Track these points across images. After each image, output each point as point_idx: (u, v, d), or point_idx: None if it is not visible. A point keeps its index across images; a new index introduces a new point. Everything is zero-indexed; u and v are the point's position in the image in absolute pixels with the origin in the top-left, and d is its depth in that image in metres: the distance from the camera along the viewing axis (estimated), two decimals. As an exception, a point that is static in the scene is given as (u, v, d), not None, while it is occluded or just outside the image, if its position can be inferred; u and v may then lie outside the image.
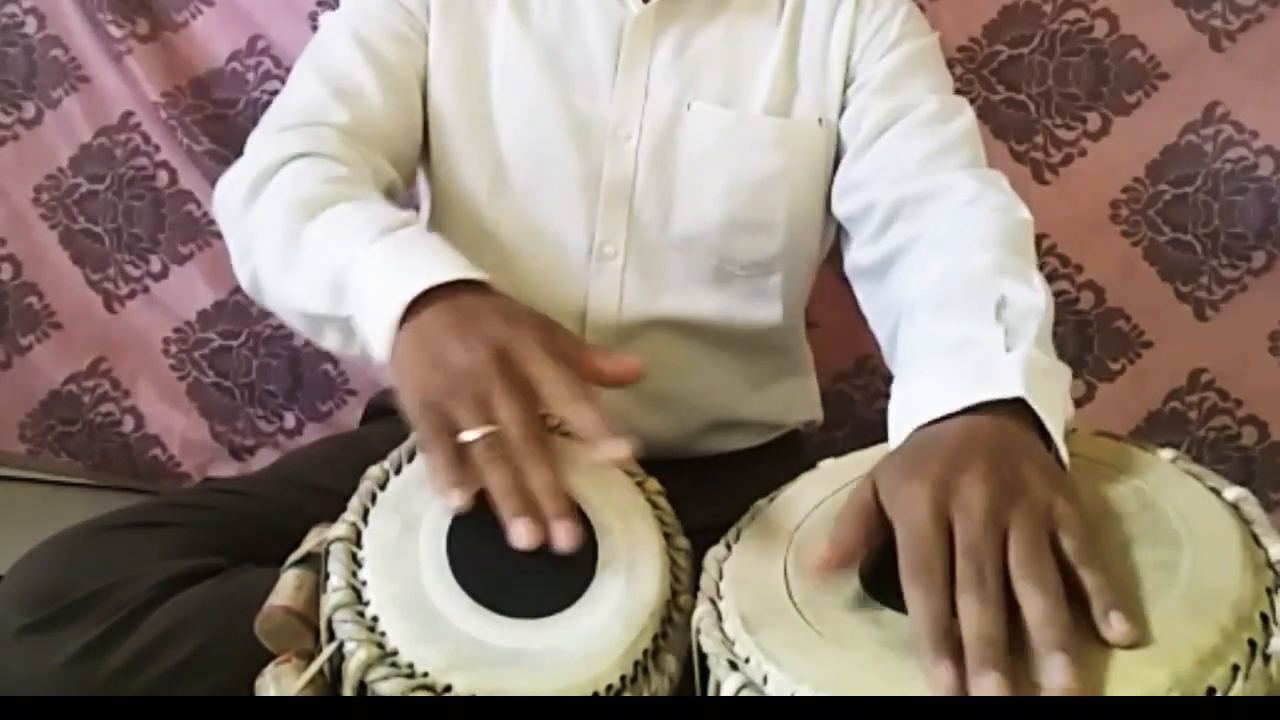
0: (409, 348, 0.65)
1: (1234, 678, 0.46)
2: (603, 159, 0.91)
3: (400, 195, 0.91)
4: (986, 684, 0.46)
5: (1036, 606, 0.48)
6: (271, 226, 0.78)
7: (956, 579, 0.49)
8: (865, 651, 0.52)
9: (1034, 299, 0.69)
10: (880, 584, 0.55)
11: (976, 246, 0.75)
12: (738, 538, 0.64)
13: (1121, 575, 0.51)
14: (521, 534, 0.57)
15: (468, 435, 0.60)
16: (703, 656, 0.56)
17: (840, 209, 0.92)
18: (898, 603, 0.52)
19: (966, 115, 0.90)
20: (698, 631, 0.57)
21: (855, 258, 0.89)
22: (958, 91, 0.94)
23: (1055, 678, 0.45)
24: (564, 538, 0.57)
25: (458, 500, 0.59)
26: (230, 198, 0.83)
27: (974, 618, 0.48)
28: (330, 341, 0.77)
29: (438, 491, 0.60)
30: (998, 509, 0.51)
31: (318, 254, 0.74)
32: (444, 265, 0.69)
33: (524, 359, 0.63)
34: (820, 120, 0.92)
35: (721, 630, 0.56)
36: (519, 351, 0.63)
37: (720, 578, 0.60)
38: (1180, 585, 0.50)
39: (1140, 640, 0.47)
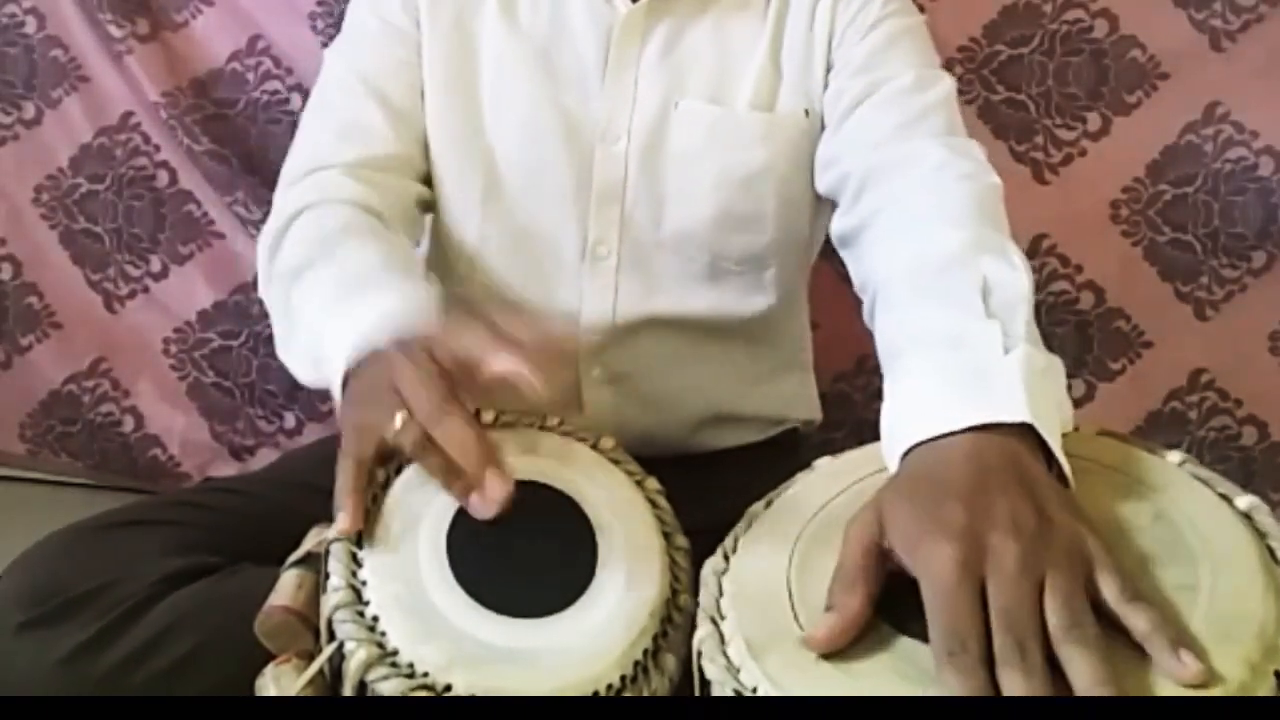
0: (352, 387, 0.68)
1: None
2: (593, 160, 0.91)
3: (422, 211, 0.94)
4: None
5: (1084, 672, 0.46)
6: (277, 299, 0.82)
7: (995, 650, 0.47)
8: (878, 681, 0.49)
9: (1018, 281, 0.67)
10: (893, 608, 0.52)
11: (948, 220, 0.74)
12: (735, 548, 0.62)
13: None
14: (477, 508, 0.60)
15: (393, 427, 0.61)
16: (705, 681, 0.54)
17: (820, 185, 0.92)
18: (912, 627, 0.51)
19: (943, 85, 0.89)
20: (699, 655, 0.55)
21: (835, 227, 0.89)
22: (958, 91, 0.94)
23: None
24: (495, 488, 0.59)
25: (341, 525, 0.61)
26: (261, 265, 0.86)
27: (1019, 693, 0.46)
28: None
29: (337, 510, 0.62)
30: (1032, 565, 0.49)
31: (299, 326, 0.77)
32: (375, 321, 0.69)
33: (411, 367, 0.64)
34: (806, 111, 0.92)
35: (725, 655, 0.54)
36: (407, 368, 0.64)
37: (720, 594, 0.58)
38: (1201, 609, 0.48)
39: (1210, 680, 0.45)
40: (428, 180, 0.93)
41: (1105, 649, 0.46)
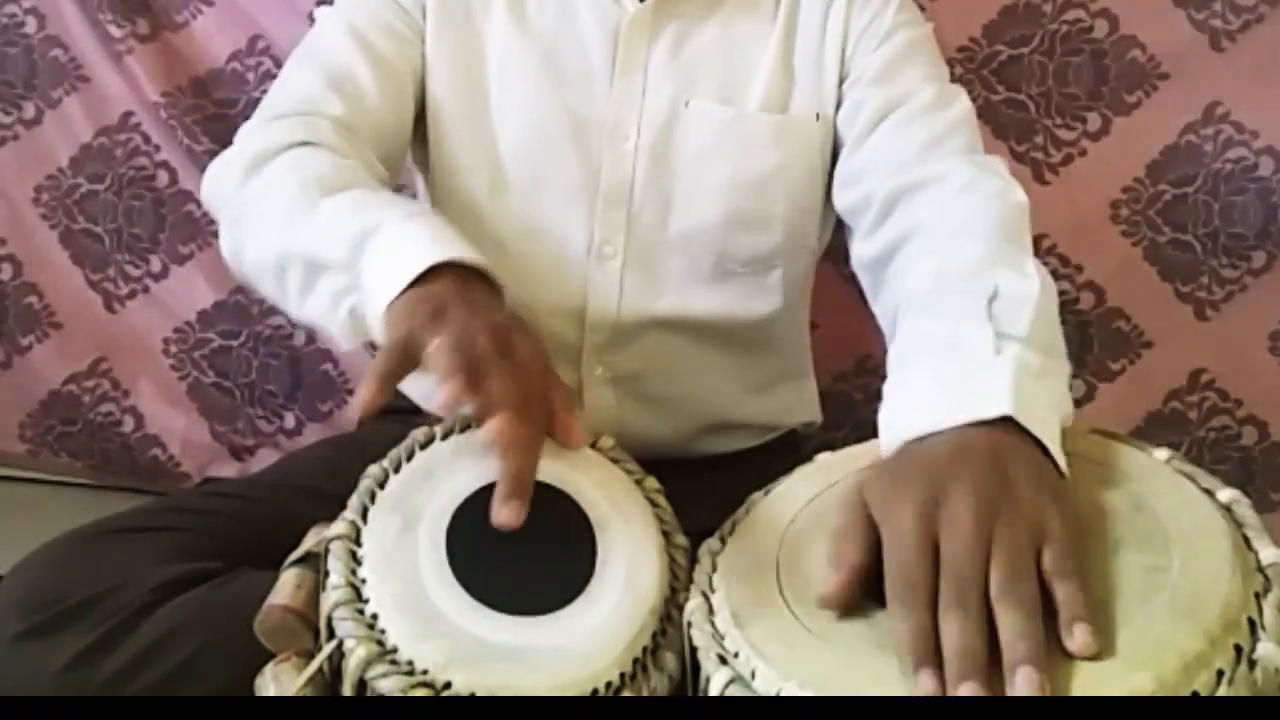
0: (412, 298, 0.66)
1: (1218, 682, 0.46)
2: (601, 159, 0.91)
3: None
4: (964, 692, 0.47)
5: (1009, 623, 0.48)
6: (280, 192, 0.79)
7: (940, 596, 0.50)
8: (855, 650, 0.52)
9: (1027, 286, 0.68)
10: (873, 583, 0.55)
11: (969, 236, 0.75)
12: (732, 531, 0.64)
13: (1111, 578, 0.51)
14: (450, 390, 0.59)
15: (433, 345, 0.61)
16: (693, 650, 0.56)
17: (840, 202, 0.92)
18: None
19: (963, 102, 0.90)
20: (689, 625, 0.57)
21: (858, 251, 0.89)
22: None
23: (1020, 688, 0.46)
24: (507, 433, 0.59)
25: (365, 400, 0.60)
26: (225, 175, 0.84)
27: (954, 635, 0.49)
28: (311, 299, 0.76)
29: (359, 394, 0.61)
30: (983, 525, 0.52)
31: (341, 216, 0.74)
32: (471, 251, 0.70)
33: (512, 346, 0.63)
34: (818, 116, 0.92)
35: (712, 624, 0.56)
36: (511, 341, 0.63)
37: (714, 571, 0.61)
38: (1169, 589, 0.50)
39: (1103, 653, 0.48)
40: (390, 162, 0.91)
41: (1037, 612, 0.49)
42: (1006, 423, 0.57)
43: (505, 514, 0.58)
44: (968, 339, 0.63)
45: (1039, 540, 0.52)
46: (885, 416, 0.63)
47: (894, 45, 0.91)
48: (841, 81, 0.92)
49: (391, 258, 0.69)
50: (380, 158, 0.88)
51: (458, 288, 0.66)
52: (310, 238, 0.75)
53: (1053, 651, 0.48)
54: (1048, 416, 0.58)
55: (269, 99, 0.90)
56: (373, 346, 0.72)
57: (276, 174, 0.81)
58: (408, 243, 0.70)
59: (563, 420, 0.65)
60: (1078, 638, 0.48)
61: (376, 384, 0.61)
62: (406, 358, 0.62)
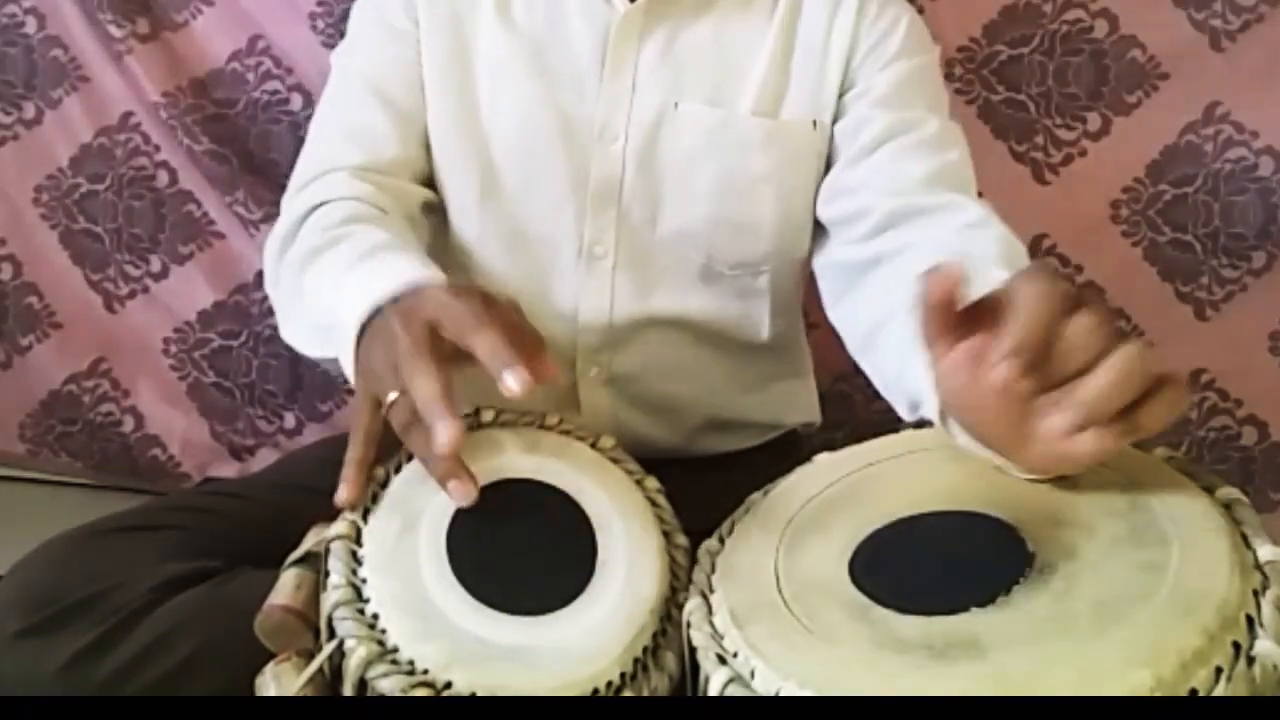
0: (362, 353, 0.67)
1: (1217, 680, 0.46)
2: (590, 160, 0.91)
3: (425, 215, 0.93)
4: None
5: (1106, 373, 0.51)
6: (287, 288, 0.81)
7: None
8: (854, 649, 0.52)
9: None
10: (873, 582, 0.55)
11: (976, 259, 0.74)
12: (731, 531, 0.64)
13: (1110, 575, 0.51)
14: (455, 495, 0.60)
15: (387, 401, 0.62)
16: (693, 650, 0.56)
17: (826, 212, 0.91)
18: (890, 602, 0.53)
19: (963, 146, 0.90)
20: (688, 625, 0.57)
21: (835, 254, 0.88)
22: (957, 92, 0.94)
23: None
24: (444, 431, 0.57)
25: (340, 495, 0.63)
26: (268, 263, 0.86)
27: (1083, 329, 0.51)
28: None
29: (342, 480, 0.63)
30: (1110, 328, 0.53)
31: (311, 306, 0.76)
32: (389, 278, 0.68)
33: (441, 318, 0.62)
34: (814, 123, 0.92)
35: (711, 624, 0.56)
36: (441, 314, 0.62)
37: (713, 571, 0.61)
38: (1167, 586, 0.50)
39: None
40: (431, 183, 0.93)
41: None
42: None
43: (511, 380, 0.57)
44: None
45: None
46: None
47: (902, 68, 0.91)
48: (843, 94, 0.92)
49: (340, 334, 0.69)
50: (418, 181, 0.92)
51: (388, 315, 0.65)
52: (304, 343, 0.78)
53: (1051, 643, 0.48)
54: None
55: (299, 164, 0.92)
56: None
57: (289, 259, 0.83)
58: (343, 309, 0.69)
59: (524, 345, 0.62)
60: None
61: (351, 472, 0.63)
62: (373, 423, 0.64)
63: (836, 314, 0.87)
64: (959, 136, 0.91)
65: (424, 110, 0.92)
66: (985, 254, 0.75)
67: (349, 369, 0.68)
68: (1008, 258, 0.75)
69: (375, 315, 0.66)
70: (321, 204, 0.84)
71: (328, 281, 0.75)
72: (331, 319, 0.71)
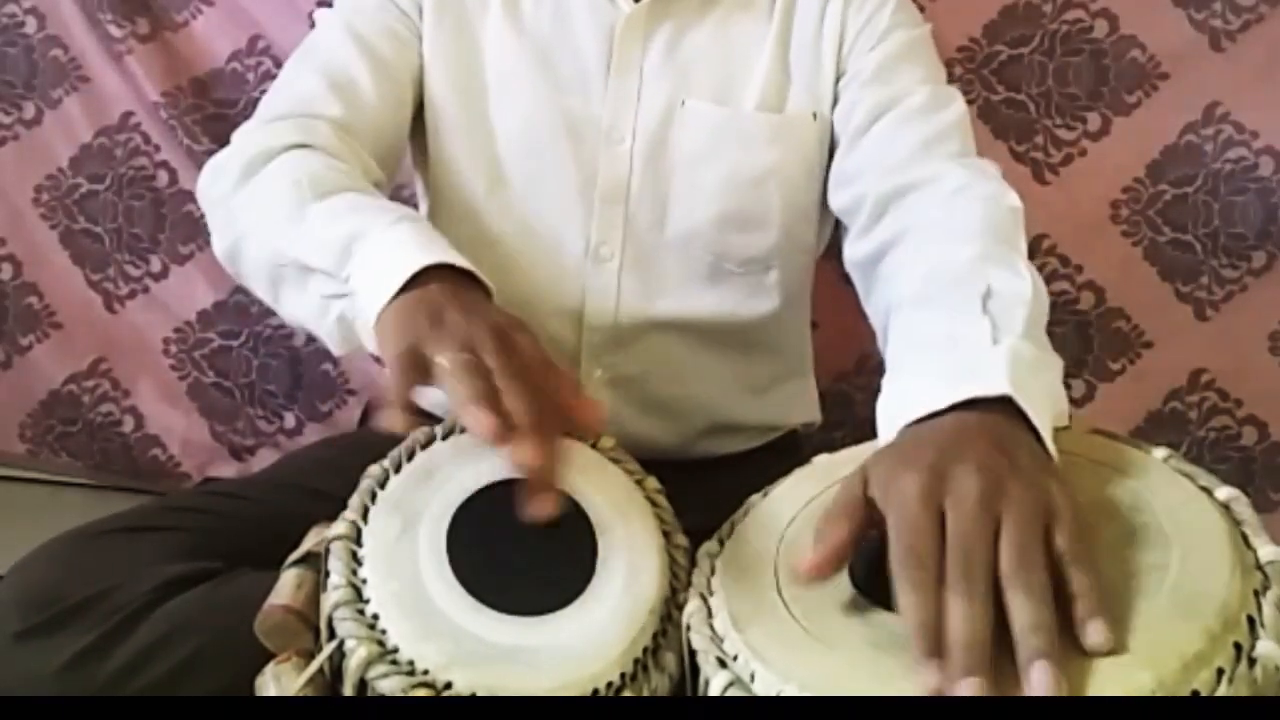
0: (406, 304, 0.66)
1: (1218, 681, 0.46)
2: (598, 160, 0.91)
3: (384, 193, 0.90)
4: (965, 689, 0.45)
5: (1023, 613, 0.47)
6: (274, 195, 0.79)
7: (947, 575, 0.48)
8: (853, 651, 0.52)
9: (1020, 286, 0.68)
10: (872, 583, 0.55)
11: (962, 237, 0.75)
12: (730, 533, 0.64)
13: (1110, 577, 0.51)
14: (481, 420, 0.56)
15: (443, 359, 0.60)
16: (692, 653, 0.56)
17: (835, 202, 0.92)
18: (889, 602, 0.52)
19: (957, 105, 0.90)
20: (688, 628, 0.57)
21: (850, 252, 0.89)
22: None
23: (1037, 686, 0.45)
24: (531, 455, 0.56)
25: (392, 421, 0.60)
26: (219, 178, 0.84)
27: (959, 620, 0.47)
28: (303, 304, 0.77)
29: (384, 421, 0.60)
30: (991, 497, 0.50)
31: (331, 220, 0.74)
32: (458, 255, 0.70)
33: (516, 347, 0.62)
34: (815, 115, 0.92)
35: (711, 627, 0.56)
36: (513, 342, 0.63)
37: (712, 573, 0.61)
38: (1168, 587, 0.50)
39: (1117, 648, 0.47)
40: (390, 160, 0.92)
41: (1049, 600, 0.47)
42: (1005, 406, 0.57)
43: (537, 506, 0.58)
44: (965, 332, 0.63)
45: (1047, 519, 0.50)
46: (884, 405, 0.63)
47: (890, 45, 0.91)
48: (838, 80, 0.92)
49: (380, 263, 0.69)
50: (378, 159, 0.88)
51: (449, 291, 0.66)
52: (300, 242, 0.75)
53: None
54: (1042, 406, 0.58)
55: (267, 100, 0.90)
56: (377, 359, 0.72)
57: (271, 176, 0.81)
58: (396, 247, 0.69)
59: (576, 408, 0.63)
60: (1093, 635, 0.47)
61: (399, 407, 0.61)
62: (416, 371, 0.62)
63: (868, 312, 0.87)
64: (951, 97, 0.90)
65: (409, 95, 0.92)
66: (966, 223, 0.76)
67: (377, 302, 0.67)
68: (987, 221, 0.76)
69: (426, 272, 0.67)
70: (310, 146, 0.83)
71: (367, 212, 0.74)
72: (365, 246, 0.70)
